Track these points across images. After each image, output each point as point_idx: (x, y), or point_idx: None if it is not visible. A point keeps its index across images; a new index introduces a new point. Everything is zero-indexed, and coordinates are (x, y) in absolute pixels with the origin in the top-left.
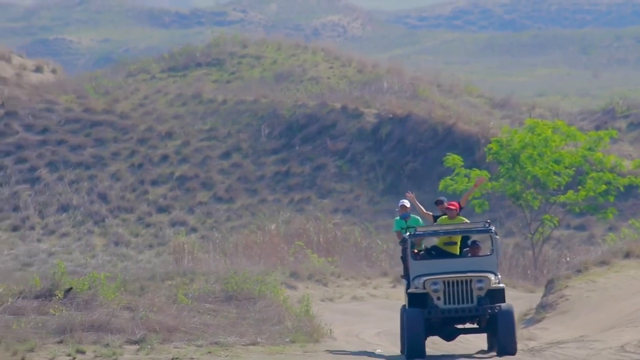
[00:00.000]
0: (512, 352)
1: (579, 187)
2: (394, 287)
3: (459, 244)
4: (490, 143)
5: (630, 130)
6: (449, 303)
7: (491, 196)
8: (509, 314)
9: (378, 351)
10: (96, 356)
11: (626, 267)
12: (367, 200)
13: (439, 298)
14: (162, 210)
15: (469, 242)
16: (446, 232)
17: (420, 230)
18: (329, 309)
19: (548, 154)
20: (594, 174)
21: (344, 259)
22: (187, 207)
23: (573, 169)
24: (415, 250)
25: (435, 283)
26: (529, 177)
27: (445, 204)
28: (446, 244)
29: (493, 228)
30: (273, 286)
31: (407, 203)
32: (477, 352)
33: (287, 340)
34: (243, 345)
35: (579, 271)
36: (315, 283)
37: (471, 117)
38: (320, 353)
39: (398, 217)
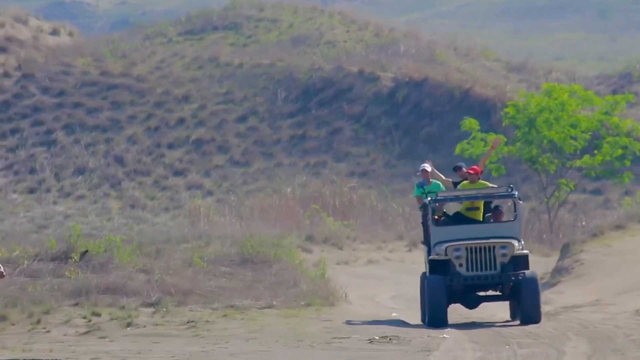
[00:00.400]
0: (537, 320)
1: (595, 151)
2: (409, 250)
3: (481, 209)
4: (506, 107)
5: None
6: (472, 270)
7: (507, 160)
8: (533, 281)
9: (394, 315)
10: (112, 318)
11: None
12: (383, 164)
13: (461, 265)
14: (178, 173)
15: (492, 206)
16: (468, 197)
17: (441, 195)
18: (344, 272)
19: (564, 118)
20: (610, 139)
21: (359, 223)
22: (203, 171)
23: (589, 133)
24: (436, 217)
25: (457, 249)
26: (545, 141)
27: (464, 169)
28: (468, 209)
29: (516, 193)
30: (289, 249)
31: (428, 167)
32: (500, 321)
33: (303, 303)
34: (258, 308)
35: (594, 235)
36: (330, 246)
37: (488, 81)
38: (339, 323)
39: (418, 182)
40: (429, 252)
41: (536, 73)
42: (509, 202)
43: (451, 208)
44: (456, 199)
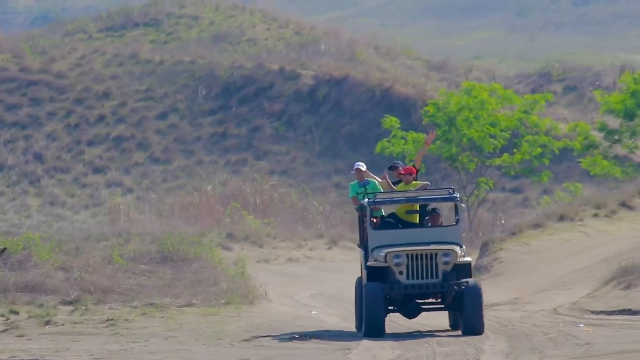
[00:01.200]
0: (479, 331)
1: (515, 150)
2: (329, 248)
3: (418, 212)
4: (427, 105)
5: (566, 94)
6: (412, 278)
7: (427, 158)
8: (476, 290)
9: (313, 313)
10: (30, 317)
11: (560, 229)
12: (303, 162)
13: (401, 272)
14: (98, 170)
15: (429, 209)
16: (409, 200)
17: (380, 197)
18: (264, 270)
19: (484, 116)
20: (529, 137)
21: (280, 221)
22: (123, 168)
23: (509, 132)
24: (375, 220)
25: (397, 256)
26: (465, 139)
27: (401, 169)
28: (407, 212)
29: (458, 195)
30: (209, 247)
31: (362, 166)
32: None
33: (222, 301)
34: (178, 306)
35: (513, 234)
36: (251, 244)
37: (408, 79)
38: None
39: (354, 182)
40: (366, 257)
41: (456, 72)
42: (449, 205)
43: (386, 209)
44: (397, 201)
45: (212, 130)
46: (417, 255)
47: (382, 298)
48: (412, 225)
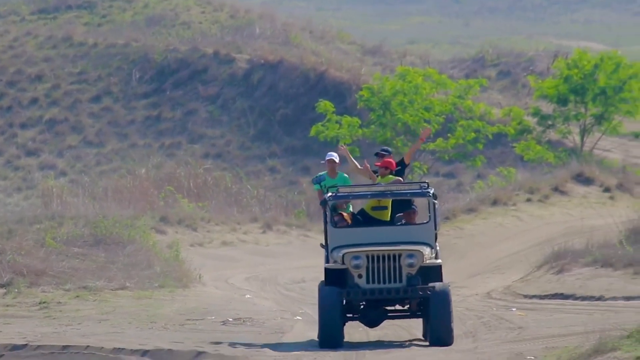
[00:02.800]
0: (448, 341)
1: (449, 134)
2: (263, 232)
3: (389, 208)
4: (361, 90)
5: (500, 79)
6: (373, 282)
7: (362, 143)
8: (444, 296)
9: (247, 296)
10: None
11: (493, 214)
12: (238, 145)
13: (360, 276)
14: (31, 153)
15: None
16: (375, 195)
17: (343, 191)
18: (198, 254)
19: (418, 101)
20: (463, 122)
21: (214, 204)
22: (57, 151)
23: (443, 116)
24: (341, 215)
25: (356, 257)
26: (399, 124)
27: (387, 157)
28: (374, 208)
29: (432, 190)
30: (142, 231)
31: (336, 157)
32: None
33: (156, 285)
34: (111, 289)
35: (447, 218)
36: (185, 228)
37: (343, 64)
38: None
39: (324, 173)
40: (327, 258)
41: (391, 56)
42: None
43: (357, 205)
44: (360, 195)
45: (146, 114)
46: (378, 257)
47: (339, 304)
48: (380, 223)
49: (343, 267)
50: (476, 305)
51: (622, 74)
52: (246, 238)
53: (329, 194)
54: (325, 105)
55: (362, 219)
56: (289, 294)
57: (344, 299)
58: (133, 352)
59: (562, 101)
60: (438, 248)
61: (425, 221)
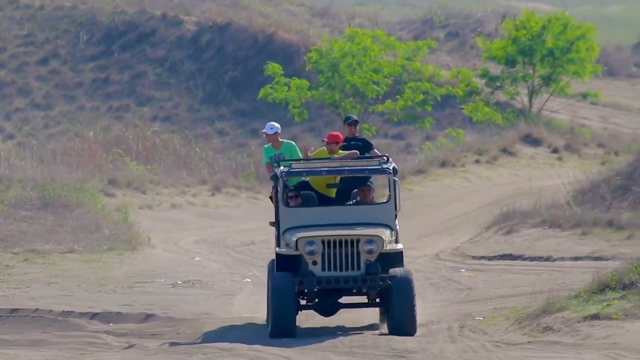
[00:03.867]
0: (410, 331)
1: (397, 96)
2: (212, 195)
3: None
4: (310, 52)
5: (448, 40)
6: (329, 270)
7: (310, 105)
8: (405, 284)
9: (197, 259)
10: None
11: (442, 175)
12: (186, 108)
13: (315, 263)
14: None
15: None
16: (330, 171)
17: (296, 166)
18: (147, 216)
19: (367, 63)
20: (412, 84)
21: (162, 167)
22: (4, 114)
23: (391, 78)
24: (292, 194)
25: (310, 243)
26: (348, 86)
27: (353, 127)
28: (328, 186)
29: (393, 166)
30: (91, 194)
31: (278, 128)
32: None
33: (105, 248)
34: (60, 252)
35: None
36: (133, 191)
37: (291, 25)
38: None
39: (269, 145)
40: (278, 240)
41: (339, 18)
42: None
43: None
44: (317, 172)
45: (93, 76)
46: (334, 242)
47: (291, 293)
48: (334, 202)
49: (296, 253)
50: (425, 266)
51: (570, 35)
52: (195, 201)
53: (282, 168)
54: (273, 67)
55: (315, 198)
56: (238, 257)
57: (298, 289)
58: (82, 314)
59: (510, 62)
60: (398, 228)
61: (384, 200)
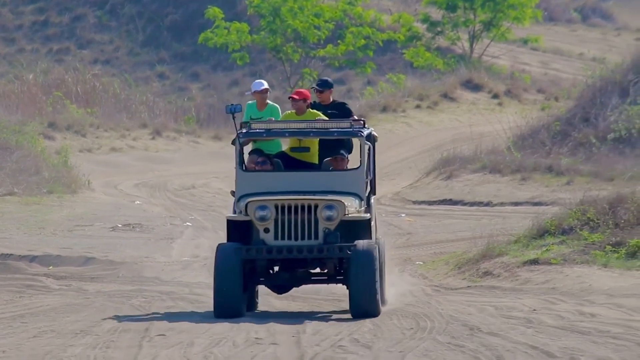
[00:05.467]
0: (372, 311)
1: (339, 41)
2: (153, 139)
3: (315, 150)
4: None
5: None
6: (282, 238)
7: (252, 49)
8: (366, 257)
9: (137, 202)
10: None
11: (383, 121)
12: (126, 51)
13: (267, 230)
14: None
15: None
16: (294, 132)
17: (256, 126)
18: (87, 160)
19: (308, 7)
20: (353, 29)
21: (103, 110)
22: None
23: (333, 23)
24: (262, 159)
25: (262, 208)
26: (289, 30)
27: (325, 93)
28: (294, 149)
29: (369, 130)
30: (30, 136)
31: (265, 84)
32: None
33: (45, 190)
34: None
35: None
36: (73, 134)
37: None
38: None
39: (253, 102)
40: (234, 208)
41: None
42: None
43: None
44: (276, 133)
45: (33, 19)
46: (289, 208)
47: (238, 265)
48: (301, 167)
49: (246, 218)
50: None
51: None
52: (135, 144)
53: (242, 129)
54: (214, 11)
55: (283, 163)
56: (179, 200)
57: (245, 258)
58: (21, 257)
59: (451, 7)
60: (373, 201)
61: (355, 167)
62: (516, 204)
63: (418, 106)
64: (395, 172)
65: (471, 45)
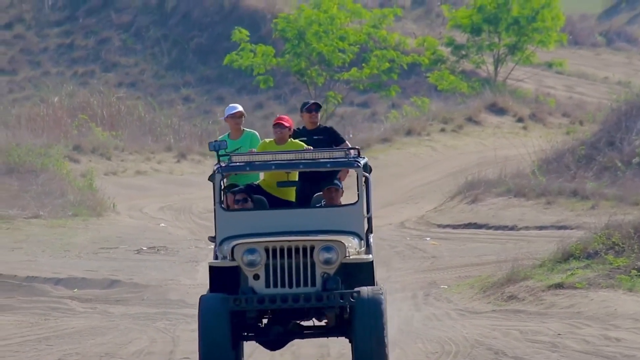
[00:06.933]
0: None
1: (363, 64)
2: (178, 162)
3: (294, 186)
4: (276, 19)
5: (414, 8)
6: (275, 286)
7: (276, 72)
8: (373, 305)
9: (162, 225)
10: None
11: (407, 144)
12: (151, 74)
13: (257, 277)
14: None
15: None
16: (281, 166)
17: (237, 160)
18: (112, 183)
19: (333, 31)
20: (377, 52)
21: (127, 133)
22: None
23: (357, 46)
24: (240, 197)
25: (251, 251)
26: (314, 53)
27: (313, 115)
28: (281, 184)
29: (364, 160)
30: (56, 159)
31: (240, 108)
32: None
33: (70, 213)
34: (25, 218)
35: (361, 148)
36: (98, 157)
37: None
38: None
39: (225, 135)
40: (216, 254)
41: None
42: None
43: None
44: (262, 166)
45: (59, 42)
46: (282, 250)
47: (225, 318)
48: (280, 204)
49: (233, 264)
50: (390, 234)
51: (535, 4)
52: (160, 167)
53: (221, 163)
54: (240, 33)
55: (263, 201)
56: (203, 223)
57: (233, 309)
58: (46, 280)
59: (476, 31)
60: (372, 240)
61: (352, 202)
62: (541, 228)
63: (442, 130)
64: (419, 195)
65: (496, 69)
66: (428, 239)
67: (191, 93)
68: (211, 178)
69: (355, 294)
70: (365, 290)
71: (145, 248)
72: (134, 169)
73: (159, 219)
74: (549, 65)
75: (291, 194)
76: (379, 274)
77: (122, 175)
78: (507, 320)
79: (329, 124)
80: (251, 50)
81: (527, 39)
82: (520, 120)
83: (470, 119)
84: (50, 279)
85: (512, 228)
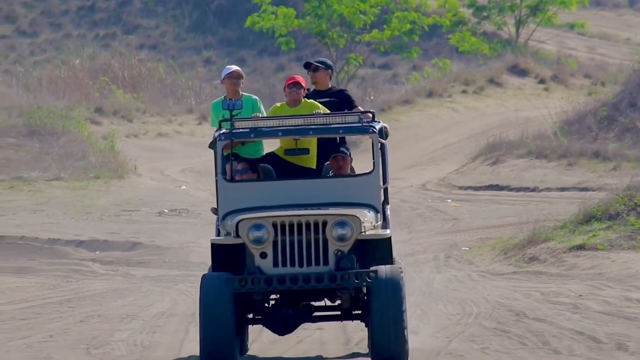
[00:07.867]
0: (398, 355)
1: (384, 26)
2: (199, 124)
3: (313, 152)
4: None
5: None
6: (283, 265)
7: (297, 34)
8: (391, 286)
9: (183, 187)
10: None
11: (429, 106)
12: (173, 37)
13: (263, 255)
14: None
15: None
16: (289, 132)
17: (241, 126)
18: (134, 145)
19: None
20: (399, 13)
21: (149, 96)
22: None
23: (379, 7)
24: (241, 166)
25: (257, 227)
26: (335, 15)
27: (320, 74)
28: (289, 151)
29: (380, 124)
30: (77, 121)
31: (238, 69)
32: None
33: (91, 175)
34: (46, 180)
35: (382, 110)
36: (120, 119)
37: None
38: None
39: (219, 100)
40: (218, 229)
41: None
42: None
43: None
44: (267, 132)
45: (80, 4)
46: (291, 226)
47: (229, 300)
48: (299, 172)
49: (237, 241)
50: (411, 196)
51: None
52: (182, 129)
53: (221, 130)
54: None
55: (274, 167)
56: None
57: (238, 291)
58: (68, 242)
59: None
60: (388, 213)
61: (367, 171)
62: (562, 189)
63: (464, 91)
64: (441, 157)
65: (517, 30)
66: (449, 200)
67: (212, 55)
68: (212, 145)
69: (372, 274)
70: (383, 269)
71: (166, 210)
72: (156, 131)
73: (181, 181)
74: (571, 27)
75: (311, 161)
76: (401, 236)
77: (143, 138)
78: (528, 281)
79: (349, 86)
80: (272, 12)
81: (548, 0)
82: (541, 81)
83: (491, 81)
84: (72, 241)
85: (533, 189)
